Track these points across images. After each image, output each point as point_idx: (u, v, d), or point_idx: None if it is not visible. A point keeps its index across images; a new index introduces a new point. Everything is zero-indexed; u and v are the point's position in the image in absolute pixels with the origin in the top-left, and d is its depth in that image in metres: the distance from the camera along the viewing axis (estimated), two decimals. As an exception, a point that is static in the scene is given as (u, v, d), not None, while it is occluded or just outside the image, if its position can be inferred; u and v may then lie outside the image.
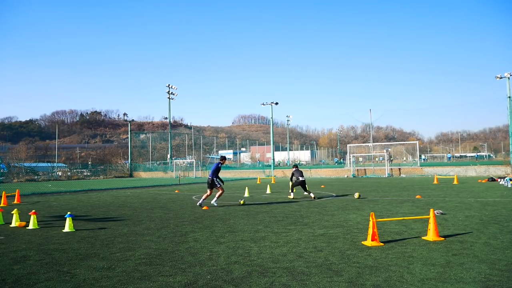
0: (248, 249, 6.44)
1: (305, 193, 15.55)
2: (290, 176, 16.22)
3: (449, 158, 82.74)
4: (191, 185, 27.42)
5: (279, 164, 76.86)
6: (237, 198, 16.05)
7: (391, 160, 58.61)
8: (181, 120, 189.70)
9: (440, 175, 31.87)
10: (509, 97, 31.50)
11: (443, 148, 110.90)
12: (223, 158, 13.43)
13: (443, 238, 6.91)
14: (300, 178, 15.31)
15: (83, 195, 19.02)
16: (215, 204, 12.98)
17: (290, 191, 15.71)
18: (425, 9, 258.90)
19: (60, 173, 44.86)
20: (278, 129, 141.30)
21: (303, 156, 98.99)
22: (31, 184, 32.08)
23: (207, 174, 43.63)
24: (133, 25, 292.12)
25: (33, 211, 9.41)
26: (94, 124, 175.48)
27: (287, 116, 76.43)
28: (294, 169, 15.88)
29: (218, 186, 12.92)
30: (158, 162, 59.73)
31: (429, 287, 4.37)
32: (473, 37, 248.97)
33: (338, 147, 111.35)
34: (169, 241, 7.19)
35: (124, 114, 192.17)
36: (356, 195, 15.00)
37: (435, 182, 23.61)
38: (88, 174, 47.78)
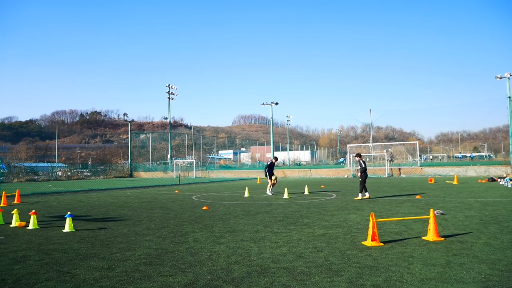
0: (248, 249, 6.44)
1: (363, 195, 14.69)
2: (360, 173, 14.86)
3: (460, 158, 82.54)
4: (191, 185, 27.41)
5: (277, 164, 76.82)
6: (237, 198, 16.06)
7: (392, 160, 58.59)
8: (181, 120, 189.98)
9: (440, 175, 31.89)
10: (509, 97, 31.50)
11: (443, 148, 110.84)
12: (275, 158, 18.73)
13: (443, 238, 6.91)
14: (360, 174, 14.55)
15: (83, 195, 19.02)
16: (269, 194, 17.26)
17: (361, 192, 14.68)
18: (425, 9, 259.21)
19: (60, 173, 44.83)
20: (278, 129, 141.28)
21: (303, 156, 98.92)
22: (31, 184, 32.07)
23: (207, 174, 43.86)
24: (133, 25, 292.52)
25: (33, 211, 9.40)
26: (94, 124, 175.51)
27: (287, 116, 76.56)
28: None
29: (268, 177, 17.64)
30: (158, 162, 59.71)
31: (429, 287, 4.37)
32: (473, 37, 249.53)
33: (338, 147, 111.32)
34: (169, 241, 7.19)
35: (124, 114, 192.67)
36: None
37: (431, 181, 23.62)
38: (88, 174, 47.74)
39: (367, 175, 14.79)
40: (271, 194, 17.31)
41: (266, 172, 17.87)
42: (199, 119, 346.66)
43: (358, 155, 15.28)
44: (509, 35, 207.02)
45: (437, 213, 9.79)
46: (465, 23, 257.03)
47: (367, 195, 14.57)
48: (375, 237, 6.58)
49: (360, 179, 14.66)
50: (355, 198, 14.63)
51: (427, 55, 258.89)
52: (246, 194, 16.98)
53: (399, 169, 36.00)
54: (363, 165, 14.71)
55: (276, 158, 18.66)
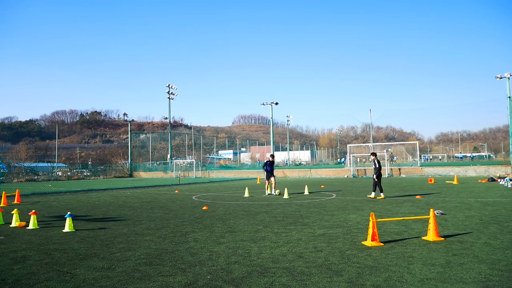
0: (248, 249, 6.44)
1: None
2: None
3: (461, 158, 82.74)
4: (191, 185, 27.41)
5: (277, 164, 76.82)
6: (237, 198, 16.06)
7: (393, 161, 58.51)
8: (181, 120, 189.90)
9: (440, 175, 31.89)
10: (509, 97, 31.49)
11: (443, 148, 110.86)
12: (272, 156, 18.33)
13: (443, 238, 6.91)
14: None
15: (83, 195, 19.02)
16: (273, 193, 17.17)
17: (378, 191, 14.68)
18: (425, 9, 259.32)
19: (60, 173, 44.83)
20: (278, 129, 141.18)
21: (303, 156, 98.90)
22: (31, 184, 32.07)
23: (207, 174, 43.86)
24: (133, 25, 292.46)
25: (33, 211, 9.40)
26: (94, 124, 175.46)
27: (287, 116, 76.60)
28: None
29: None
30: (158, 162, 59.72)
31: (429, 287, 4.37)
32: (473, 37, 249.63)
33: (338, 147, 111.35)
34: (169, 241, 7.19)
35: (124, 114, 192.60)
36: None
37: (431, 181, 23.61)
38: (88, 174, 47.74)
39: (381, 174, 14.72)
40: (269, 193, 17.28)
41: (265, 171, 17.82)
42: (199, 119, 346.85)
43: (374, 154, 15.22)
44: (509, 35, 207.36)
45: (437, 213, 9.79)
46: (465, 23, 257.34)
47: (373, 194, 14.63)
48: (375, 237, 6.58)
49: (376, 180, 14.55)
50: (379, 198, 14.47)
51: (427, 55, 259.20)
52: (246, 194, 16.98)
53: (399, 169, 35.99)
54: (377, 165, 14.62)
55: (272, 156, 18.27)
